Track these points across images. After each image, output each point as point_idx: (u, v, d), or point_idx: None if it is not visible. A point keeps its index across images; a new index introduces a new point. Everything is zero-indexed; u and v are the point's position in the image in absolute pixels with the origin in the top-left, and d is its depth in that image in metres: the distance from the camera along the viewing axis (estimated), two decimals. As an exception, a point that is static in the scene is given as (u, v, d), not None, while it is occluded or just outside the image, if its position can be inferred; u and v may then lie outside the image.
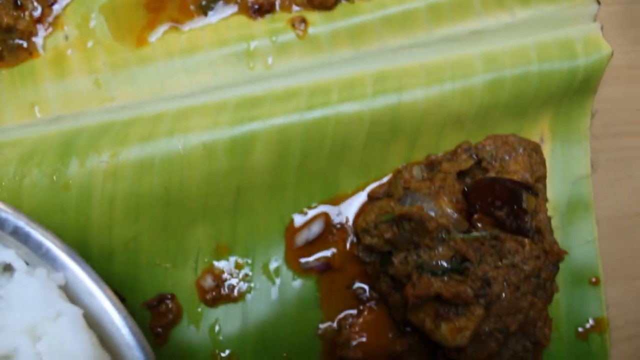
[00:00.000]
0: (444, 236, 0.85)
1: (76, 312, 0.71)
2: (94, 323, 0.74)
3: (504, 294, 0.83)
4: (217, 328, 0.95)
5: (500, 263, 0.84)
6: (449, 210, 0.87)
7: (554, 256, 0.86)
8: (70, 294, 0.75)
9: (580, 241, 0.98)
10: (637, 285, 1.00)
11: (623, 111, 1.02)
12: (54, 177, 0.92)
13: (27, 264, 0.76)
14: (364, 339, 0.92)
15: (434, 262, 0.85)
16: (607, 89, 1.02)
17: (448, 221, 0.86)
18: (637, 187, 1.01)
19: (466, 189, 0.85)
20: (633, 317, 0.99)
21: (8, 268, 0.77)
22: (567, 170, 1.00)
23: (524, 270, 0.83)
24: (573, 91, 0.98)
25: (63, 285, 0.74)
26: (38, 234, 0.76)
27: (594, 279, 0.98)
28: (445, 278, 0.84)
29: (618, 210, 1.01)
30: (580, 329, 0.97)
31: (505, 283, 0.83)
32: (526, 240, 0.84)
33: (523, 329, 0.85)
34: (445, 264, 0.85)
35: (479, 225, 0.86)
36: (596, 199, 0.99)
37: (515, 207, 0.84)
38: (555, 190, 0.98)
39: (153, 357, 0.73)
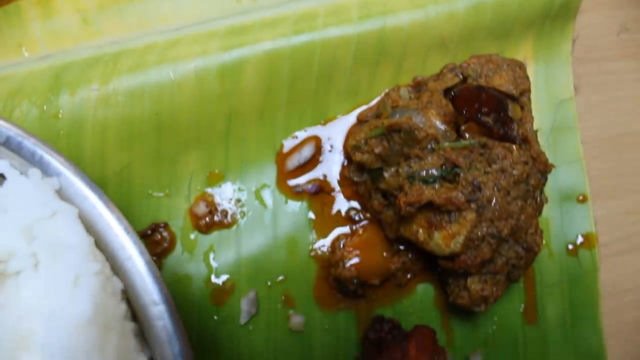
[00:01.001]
0: (433, 146, 0.87)
1: (72, 210, 0.71)
2: (88, 226, 0.74)
3: (494, 199, 0.84)
4: (211, 255, 0.95)
5: (489, 168, 0.85)
6: (437, 122, 0.88)
7: (542, 164, 0.88)
8: (64, 199, 0.75)
9: (566, 160, 1.00)
10: (623, 204, 1.02)
11: (604, 37, 1.05)
12: (44, 107, 0.92)
13: (21, 173, 0.76)
14: (357, 259, 0.92)
15: (425, 171, 0.86)
16: (589, 15, 1.05)
17: (436, 132, 0.87)
18: (619, 109, 1.04)
19: (453, 94, 0.86)
20: (620, 234, 1.01)
21: (1, 178, 0.77)
22: (551, 93, 1.02)
23: (513, 175, 0.85)
24: (553, 15, 1.00)
25: (58, 190, 0.74)
26: (31, 142, 0.76)
27: (581, 197, 0.99)
28: (437, 186, 0.85)
29: (602, 132, 1.03)
30: (570, 246, 0.98)
31: (495, 188, 0.84)
32: (514, 147, 0.86)
33: (515, 235, 0.86)
34: (435, 172, 0.86)
35: (467, 135, 0.88)
36: (580, 120, 1.01)
37: (501, 114, 0.86)
38: (539, 112, 1.00)
39: (147, 253, 0.72)
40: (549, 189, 0.97)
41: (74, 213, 0.70)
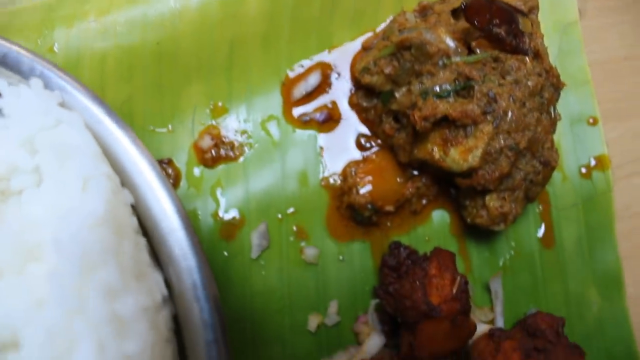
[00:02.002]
0: (445, 61, 0.85)
1: (76, 116, 0.67)
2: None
3: (510, 110, 0.82)
4: (218, 190, 0.91)
5: (503, 80, 0.83)
6: (448, 39, 0.86)
7: (554, 78, 0.87)
8: (68, 112, 0.71)
9: (574, 83, 0.98)
10: (631, 126, 1.01)
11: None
12: (38, 42, 0.88)
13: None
14: (370, 185, 0.89)
15: (438, 86, 0.84)
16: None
17: (447, 47, 0.85)
18: (623, 33, 1.03)
19: (464, 5, 0.84)
20: (630, 157, 0.99)
21: (-1, 95, 0.73)
22: (556, 16, 1.01)
23: (527, 86, 0.83)
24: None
25: (61, 103, 0.71)
26: (29, 58, 0.72)
27: (591, 120, 0.98)
28: (451, 99, 0.83)
29: (607, 55, 1.02)
30: (583, 170, 0.97)
31: (510, 99, 0.82)
32: (527, 58, 0.84)
33: (532, 148, 0.85)
34: (449, 86, 0.84)
35: (478, 51, 0.86)
36: (585, 44, 1.00)
37: (512, 26, 0.84)
38: (546, 35, 0.99)
39: (157, 166, 0.69)
40: (559, 112, 0.95)
41: (80, 120, 0.67)
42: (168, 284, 0.69)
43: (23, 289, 0.55)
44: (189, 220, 0.68)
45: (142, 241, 0.67)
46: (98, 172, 0.62)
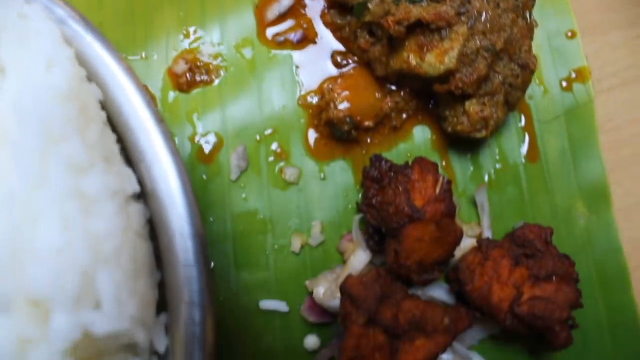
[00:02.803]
0: (416, -33, 0.84)
1: (40, 9, 0.65)
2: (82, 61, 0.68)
3: (484, 11, 0.82)
4: (195, 115, 0.90)
5: (476, -19, 0.82)
6: (419, -54, 0.85)
7: (529, -17, 0.86)
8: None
9: (550, -2, 0.98)
10: (610, 39, 1.00)
11: None
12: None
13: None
14: (347, 102, 0.88)
15: (411, -8, 0.83)
16: None
17: (418, -47, 0.84)
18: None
19: None
20: (611, 70, 0.99)
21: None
22: None
23: (500, -13, 0.82)
24: None
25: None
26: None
27: (569, 33, 0.97)
28: (424, 3, 0.82)
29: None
30: (564, 83, 0.96)
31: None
32: (499, -40, 0.83)
33: (509, 51, 0.84)
34: (422, -9, 0.83)
35: (450, -44, 0.85)
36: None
37: None
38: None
39: (138, 81, 0.67)
40: (536, 34, 0.94)
41: (43, 12, 0.65)
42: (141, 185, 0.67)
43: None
44: (161, 117, 0.66)
45: (111, 134, 0.65)
46: (62, 56, 0.60)
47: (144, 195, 0.68)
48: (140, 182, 0.67)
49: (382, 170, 0.84)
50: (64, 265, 0.50)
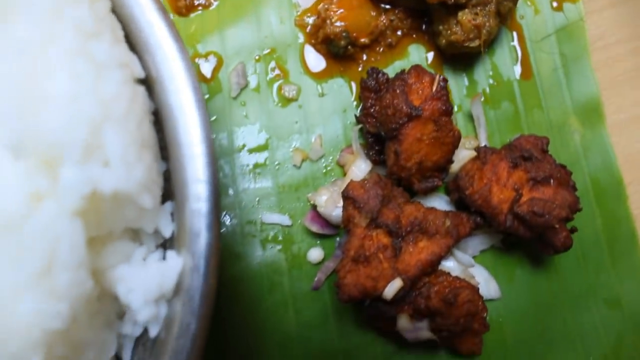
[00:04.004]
0: None
1: None
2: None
3: None
4: (194, 37, 0.91)
5: None
6: None
7: None
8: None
9: None
10: (598, -37, 1.02)
11: None
12: None
13: None
14: (343, 20, 0.90)
15: None
16: None
17: None
18: None
19: None
20: (601, -9, 1.01)
21: None
22: None
23: None
24: None
25: None
26: None
27: (557, -45, 1.00)
28: None
29: None
30: (554, 3, 0.98)
31: None
32: None
33: (499, -39, 0.86)
34: None
35: None
36: None
37: None
38: None
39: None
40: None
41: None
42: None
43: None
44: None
45: (117, 21, 0.65)
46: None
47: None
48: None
49: (379, 81, 0.86)
50: (75, 114, 0.51)
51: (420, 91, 0.81)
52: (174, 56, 0.64)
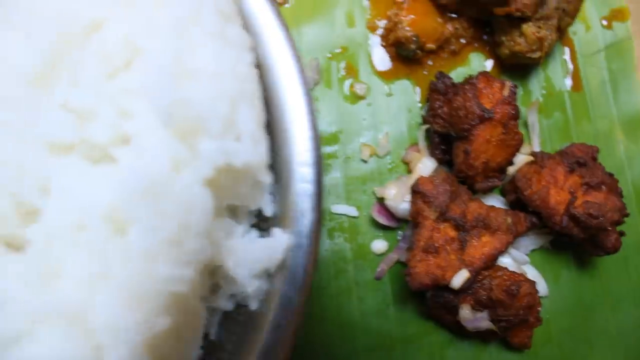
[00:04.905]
0: None
1: None
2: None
3: (544, -61, 0.89)
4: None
5: None
6: None
7: None
8: None
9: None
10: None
11: None
12: None
13: None
14: (412, 26, 0.95)
15: None
16: None
17: None
18: None
19: None
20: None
21: None
22: None
23: None
24: None
25: None
26: None
27: (608, -23, 1.06)
28: None
29: None
30: (604, 22, 1.04)
31: None
32: None
33: (564, -22, 0.92)
34: None
35: None
36: None
37: None
38: None
39: None
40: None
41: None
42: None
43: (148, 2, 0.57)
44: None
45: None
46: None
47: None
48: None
49: (446, 84, 0.91)
50: (218, 90, 0.55)
51: (490, 95, 0.86)
52: (281, 41, 0.68)
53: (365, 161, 0.93)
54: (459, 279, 0.82)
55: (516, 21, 0.92)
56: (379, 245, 0.91)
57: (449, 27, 0.96)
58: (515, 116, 0.85)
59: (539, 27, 0.91)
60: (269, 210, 0.68)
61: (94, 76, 0.55)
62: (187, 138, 0.56)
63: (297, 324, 0.65)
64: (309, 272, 0.65)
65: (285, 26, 0.69)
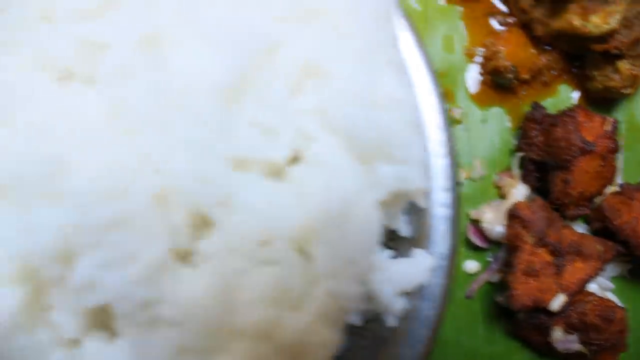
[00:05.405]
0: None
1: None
2: None
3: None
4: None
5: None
6: None
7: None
8: None
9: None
10: None
11: None
12: None
13: None
14: (510, 56, 0.99)
15: (580, -40, 0.95)
16: None
17: None
18: None
19: None
20: None
21: None
22: None
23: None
24: None
25: None
26: None
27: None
28: (592, -29, 0.94)
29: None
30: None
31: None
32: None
33: (658, 19, 0.96)
34: (590, -40, 0.95)
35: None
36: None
37: None
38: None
39: None
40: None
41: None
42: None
43: (326, 26, 0.61)
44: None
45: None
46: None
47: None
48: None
49: (542, 114, 0.95)
50: (400, 117, 0.59)
51: (591, 129, 0.90)
52: (426, 77, 0.72)
53: (461, 184, 0.96)
54: (558, 302, 0.86)
55: (611, 57, 0.96)
56: (471, 265, 0.95)
57: (542, 59, 1.01)
58: (615, 150, 0.90)
59: (633, 65, 0.96)
60: (406, 231, 0.71)
61: (277, 95, 0.58)
62: (368, 162, 0.59)
63: (434, 340, 0.68)
64: (447, 292, 0.69)
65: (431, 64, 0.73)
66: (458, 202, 0.70)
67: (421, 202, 0.66)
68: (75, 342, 0.55)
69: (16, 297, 0.52)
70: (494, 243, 0.96)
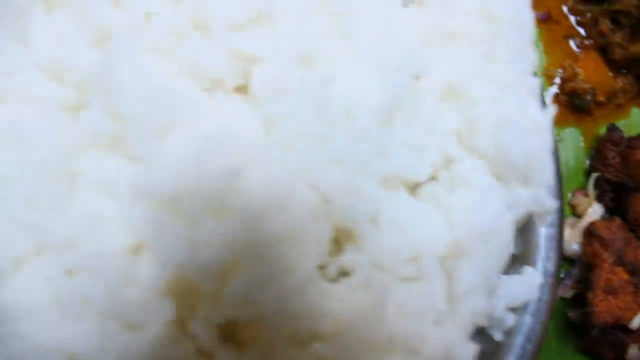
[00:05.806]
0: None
1: None
2: None
3: None
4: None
5: None
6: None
7: None
8: None
9: None
10: None
11: None
12: None
13: None
14: (588, 78, 1.02)
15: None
16: None
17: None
18: None
19: None
20: None
21: None
22: None
23: None
24: None
25: None
26: None
27: None
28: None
29: None
30: None
31: None
32: None
33: None
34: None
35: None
36: None
37: None
38: None
39: None
40: None
41: None
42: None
43: (470, 49, 0.63)
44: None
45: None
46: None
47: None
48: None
49: (620, 136, 0.98)
50: (542, 143, 0.61)
51: (672, 153, 0.93)
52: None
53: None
54: (638, 320, 0.88)
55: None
56: (545, 280, 0.97)
57: (618, 82, 1.03)
58: (693, 173, 0.93)
59: None
60: (512, 249, 0.73)
61: (424, 116, 0.60)
62: (507, 183, 0.61)
63: (537, 355, 0.70)
64: (550, 309, 0.71)
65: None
66: (562, 220, 0.72)
67: (542, 223, 0.68)
68: (210, 356, 0.56)
69: (167, 307, 0.53)
70: (566, 259, 0.98)
